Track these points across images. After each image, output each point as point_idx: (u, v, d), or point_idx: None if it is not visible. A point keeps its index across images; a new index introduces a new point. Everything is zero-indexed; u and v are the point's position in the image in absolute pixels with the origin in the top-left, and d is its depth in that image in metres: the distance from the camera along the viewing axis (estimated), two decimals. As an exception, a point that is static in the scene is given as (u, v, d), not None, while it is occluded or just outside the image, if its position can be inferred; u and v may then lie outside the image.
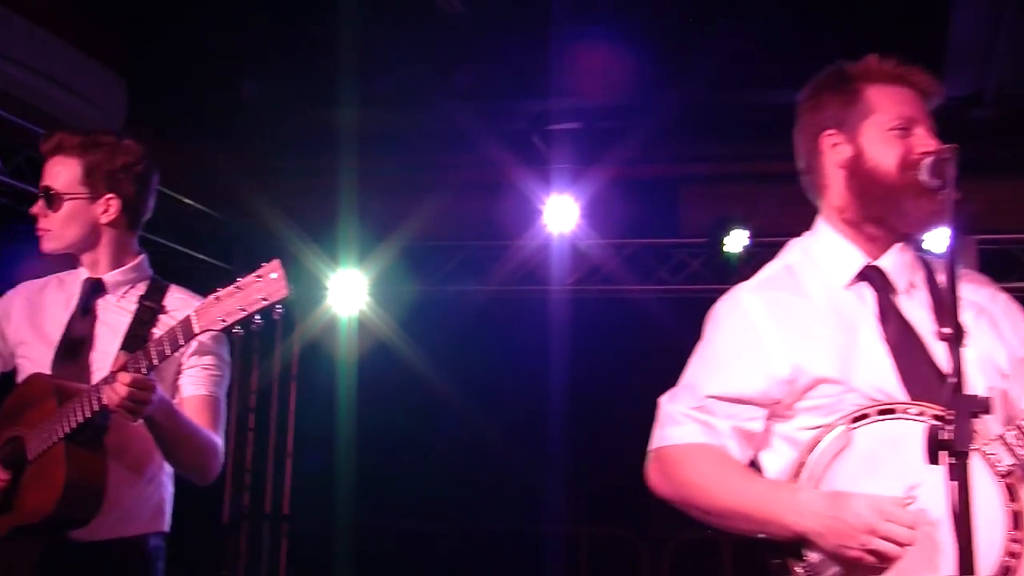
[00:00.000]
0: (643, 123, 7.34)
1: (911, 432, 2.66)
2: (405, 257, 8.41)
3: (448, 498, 8.52)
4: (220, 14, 6.58)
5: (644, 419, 3.17)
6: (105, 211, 3.46)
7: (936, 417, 2.62)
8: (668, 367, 3.08)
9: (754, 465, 2.94)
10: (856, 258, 2.94)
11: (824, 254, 3.00)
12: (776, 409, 2.90)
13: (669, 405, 2.96)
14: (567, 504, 8.48)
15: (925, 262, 3.06)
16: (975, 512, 2.43)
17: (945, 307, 2.74)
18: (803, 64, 7.02)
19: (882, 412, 2.74)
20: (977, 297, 2.97)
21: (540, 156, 8.04)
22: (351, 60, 6.66)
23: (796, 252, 3.08)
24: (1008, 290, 3.11)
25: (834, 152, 2.97)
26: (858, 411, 2.75)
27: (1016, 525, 2.59)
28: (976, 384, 2.73)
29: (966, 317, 2.73)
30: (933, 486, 2.57)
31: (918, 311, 2.90)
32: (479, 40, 6.96)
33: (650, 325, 7.97)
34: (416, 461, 8.45)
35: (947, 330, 2.56)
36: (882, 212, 2.90)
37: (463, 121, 7.31)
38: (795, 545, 2.70)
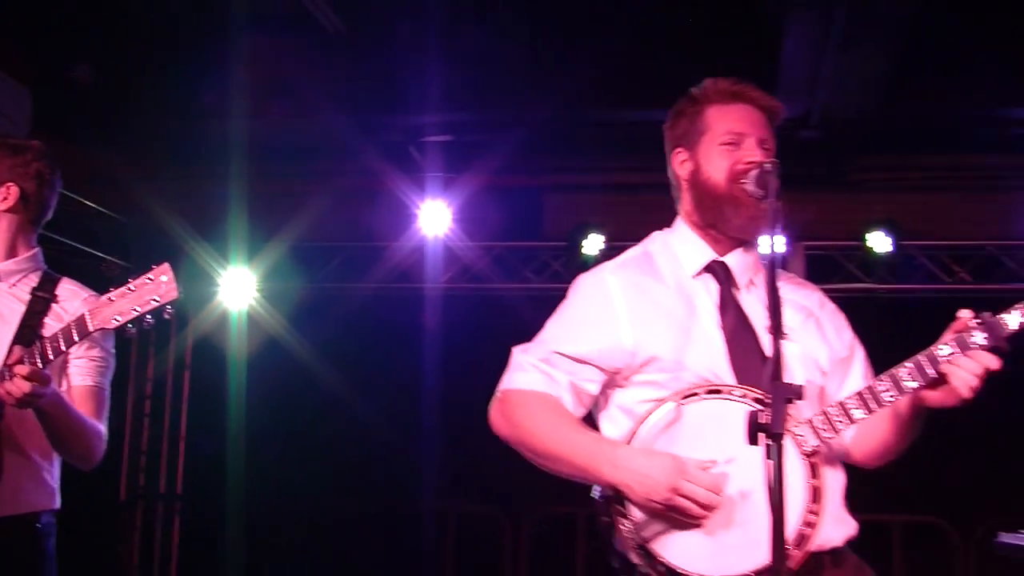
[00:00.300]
0: (510, 137, 7.51)
1: (733, 412, 2.78)
2: (291, 256, 8.44)
3: (330, 478, 8.49)
4: (117, 28, 6.68)
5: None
6: (4, 198, 3.42)
7: (756, 400, 2.78)
8: None
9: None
10: (705, 252, 3.05)
11: (679, 246, 3.10)
12: (616, 378, 3.00)
13: (520, 355, 3.06)
14: (439, 483, 8.49)
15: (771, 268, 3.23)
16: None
17: (777, 307, 2.94)
18: (652, 87, 7.37)
19: (710, 392, 2.84)
20: (807, 302, 3.11)
21: (416, 165, 8.21)
22: (242, 76, 6.76)
23: (656, 242, 3.18)
24: (831, 291, 3.30)
25: (682, 167, 3.11)
26: (689, 389, 2.86)
27: (815, 499, 2.72)
28: (796, 375, 2.86)
29: (795, 318, 3.01)
30: (747, 460, 2.75)
31: (755, 306, 3.00)
32: (359, 58, 7.11)
33: (515, 320, 7.86)
34: (302, 445, 8.44)
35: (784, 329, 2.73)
36: (715, 218, 3.01)
37: (345, 133, 7.44)
38: (622, 504, 2.81)
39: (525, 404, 2.99)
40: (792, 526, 2.68)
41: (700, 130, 3.07)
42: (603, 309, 3.03)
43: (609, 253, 8.06)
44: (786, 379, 2.65)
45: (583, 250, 8.43)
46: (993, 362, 2.64)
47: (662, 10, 6.78)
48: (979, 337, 2.66)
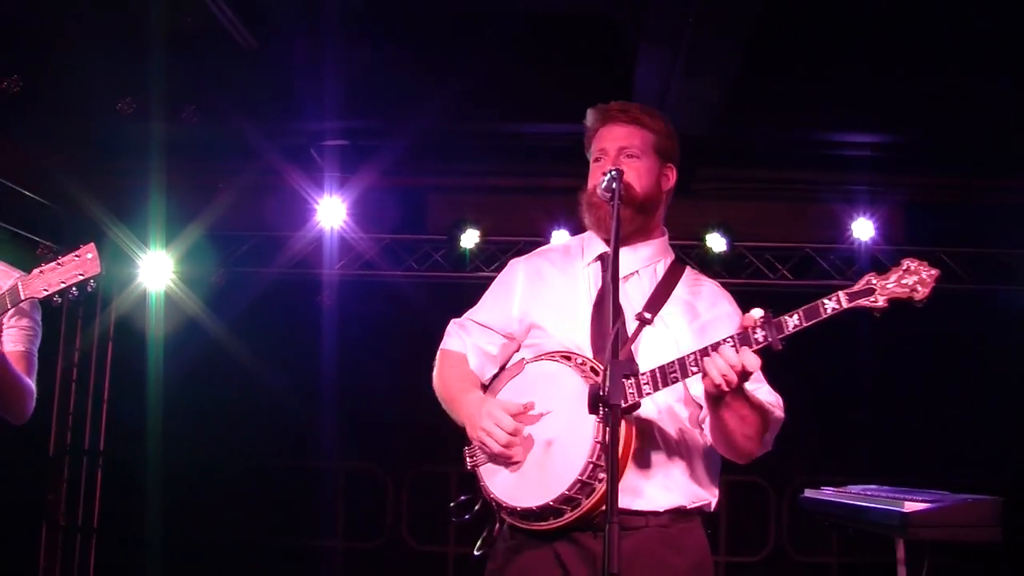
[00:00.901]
0: (398, 142, 7.69)
1: (565, 375, 2.95)
2: (205, 242, 8.45)
3: (238, 440, 8.53)
4: (44, 39, 6.59)
5: (394, 376, 3.61)
6: None
7: (592, 370, 2.92)
8: (413, 335, 3.79)
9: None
10: (599, 247, 3.21)
11: (589, 242, 3.27)
12: (516, 342, 3.24)
13: (451, 323, 3.35)
14: (332, 445, 8.58)
15: (678, 263, 3.28)
16: (579, 439, 2.81)
17: (658, 298, 3.11)
18: (520, 103, 7.71)
19: (563, 357, 3.00)
20: (698, 300, 3.16)
21: (316, 165, 8.30)
22: (160, 86, 6.72)
23: (578, 239, 3.33)
24: None
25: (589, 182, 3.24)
26: (548, 352, 3.06)
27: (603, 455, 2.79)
28: (646, 357, 2.95)
29: (673, 310, 3.10)
30: (560, 415, 2.94)
31: (635, 294, 3.13)
32: (266, 70, 7.13)
33: (401, 303, 8.41)
34: (214, 411, 8.44)
35: (647, 315, 2.90)
36: (589, 223, 3.21)
37: (253, 136, 7.47)
38: (468, 440, 3.07)
39: (445, 362, 3.28)
40: (572, 476, 2.79)
41: (589, 151, 3.24)
42: (506, 288, 3.31)
43: (483, 247, 8.60)
44: (640, 360, 2.92)
45: (461, 243, 8.66)
46: (754, 363, 2.67)
47: (532, 34, 6.94)
48: (759, 334, 2.70)
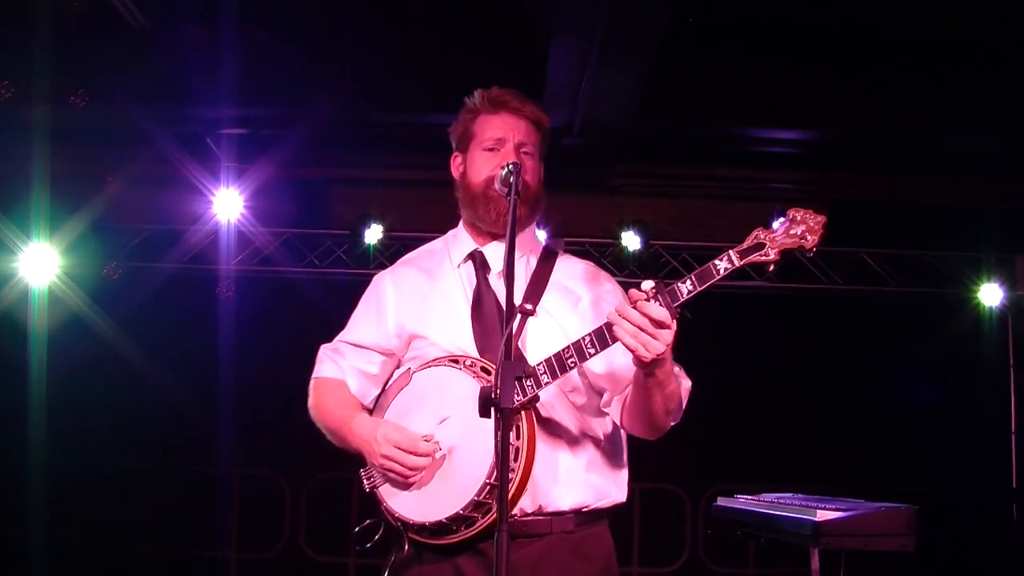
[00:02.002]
0: (298, 132, 7.63)
1: (456, 379, 3.00)
2: (93, 235, 8.34)
3: (129, 443, 8.47)
4: None
5: (291, 377, 3.70)
6: None
7: (483, 370, 2.97)
8: (314, 334, 3.55)
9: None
10: (469, 245, 3.27)
11: (453, 241, 3.33)
12: (396, 358, 3.27)
13: (322, 348, 3.37)
14: (230, 449, 8.60)
15: (548, 251, 3.33)
16: (482, 442, 2.83)
17: (535, 288, 3.18)
18: (426, 93, 7.65)
19: (451, 362, 3.05)
20: (577, 284, 3.23)
21: (212, 155, 8.24)
22: (44, 68, 6.65)
23: (440, 241, 3.40)
24: None
25: (457, 171, 3.32)
26: (434, 360, 3.10)
27: (515, 458, 2.84)
28: (539, 349, 2.99)
29: (555, 297, 3.16)
30: (457, 422, 2.97)
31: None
32: (159, 55, 7.04)
33: (301, 300, 8.38)
34: (102, 413, 8.37)
35: (528, 306, 3.01)
36: (474, 215, 3.24)
37: (146, 123, 7.33)
38: (364, 463, 3.13)
39: (320, 390, 3.31)
40: (480, 481, 2.84)
41: (470, 136, 3.28)
42: (376, 303, 3.32)
43: (387, 242, 8.49)
44: (529, 353, 2.97)
45: (364, 239, 8.69)
46: (659, 312, 2.67)
47: (438, 21, 6.96)
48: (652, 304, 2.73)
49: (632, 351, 2.72)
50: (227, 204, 8.45)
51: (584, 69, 6.88)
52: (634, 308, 2.69)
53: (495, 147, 3.22)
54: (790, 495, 4.94)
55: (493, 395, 2.55)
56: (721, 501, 5.18)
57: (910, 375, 8.38)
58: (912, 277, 8.75)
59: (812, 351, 8.28)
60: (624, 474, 3.21)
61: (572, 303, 3.17)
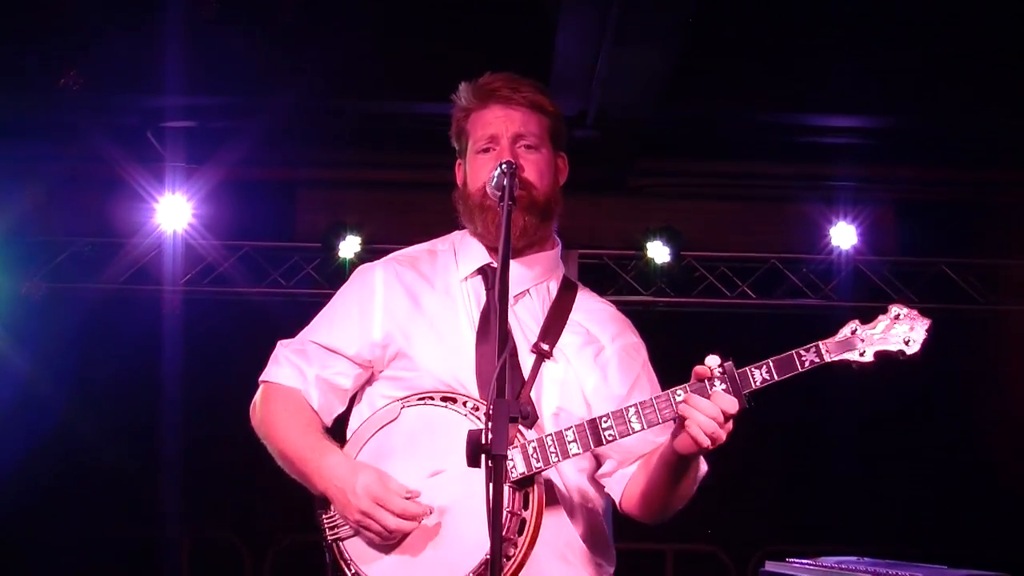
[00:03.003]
0: (259, 124, 7.65)
1: (453, 422, 3.00)
2: (9, 250, 8.39)
3: (56, 502, 8.44)
4: None
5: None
6: None
7: (486, 414, 2.82)
8: None
9: None
10: (481, 257, 3.28)
11: (461, 249, 3.33)
12: (372, 373, 3.28)
13: (280, 347, 3.36)
14: (176, 508, 8.57)
15: (569, 281, 3.37)
16: (482, 505, 2.69)
17: (553, 325, 3.21)
18: (417, 78, 7.72)
19: (445, 399, 3.07)
20: (598, 328, 3.26)
21: (154, 153, 8.26)
22: None
23: (446, 241, 3.42)
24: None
25: (459, 178, 3.36)
26: (426, 392, 3.11)
27: (520, 530, 2.89)
28: (549, 399, 3.08)
29: (572, 340, 3.19)
30: (453, 476, 2.97)
31: (524, 317, 3.21)
32: (92, 34, 7.09)
33: (263, 327, 7.89)
34: (22, 467, 8.15)
35: (544, 346, 3.08)
36: (475, 229, 3.28)
37: (74, 112, 7.47)
38: (327, 508, 3.12)
39: (273, 399, 3.30)
40: (481, 556, 2.86)
41: (465, 138, 3.33)
42: (361, 301, 3.32)
43: (366, 256, 8.16)
44: (544, 405, 3.03)
45: (339, 252, 8.68)
46: (731, 404, 2.77)
47: None
48: (719, 389, 2.81)
49: (697, 443, 2.81)
50: (172, 212, 8.44)
51: (599, 45, 6.90)
52: (704, 398, 2.79)
53: (489, 146, 3.25)
54: (855, 559, 4.88)
55: (484, 440, 2.55)
56: (770, 566, 5.10)
57: (988, 413, 8.44)
58: (998, 291, 8.75)
59: (874, 386, 8.24)
60: (613, 549, 3.29)
61: (593, 352, 3.21)
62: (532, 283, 3.26)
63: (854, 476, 8.58)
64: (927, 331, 2.88)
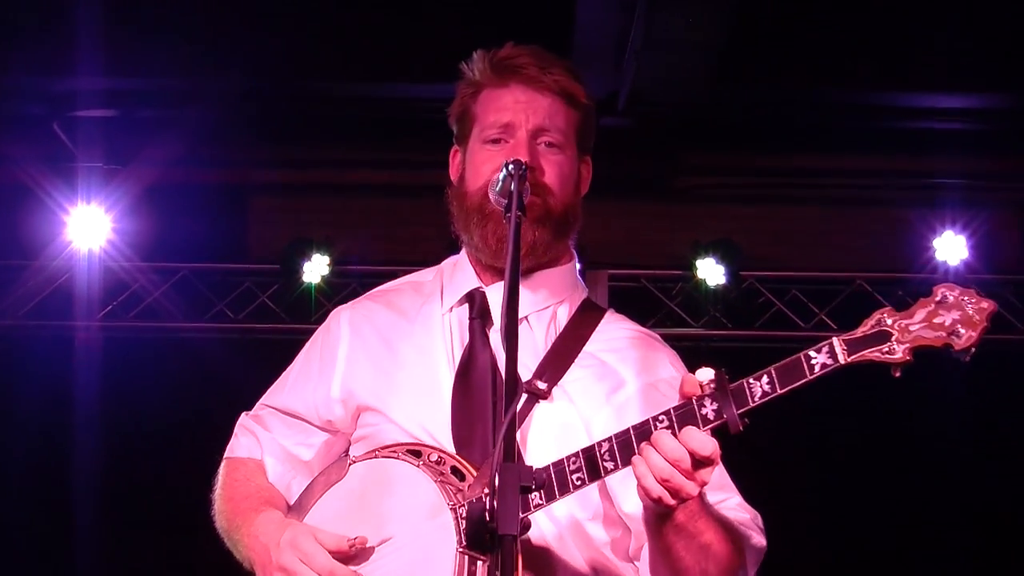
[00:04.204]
0: (199, 113, 7.81)
1: (409, 479, 3.05)
2: None
3: None
4: None
5: (197, 489, 3.59)
6: None
7: (454, 471, 3.04)
8: (227, 426, 3.56)
9: None
10: (469, 281, 3.37)
11: (451, 275, 3.43)
12: (343, 435, 3.41)
13: (242, 416, 3.51)
14: None
15: (590, 311, 3.40)
16: None
17: (559, 358, 3.25)
18: (406, 54, 7.69)
19: (410, 452, 3.12)
20: (615, 357, 3.30)
21: (64, 151, 8.30)
22: None
23: (434, 271, 3.53)
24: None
25: (455, 173, 3.43)
26: (386, 447, 3.18)
27: None
28: (539, 451, 3.08)
29: (580, 374, 3.23)
30: (404, 543, 3.01)
31: (523, 351, 3.04)
32: None
33: (207, 373, 8.34)
34: None
35: (540, 384, 3.12)
36: (469, 240, 3.34)
37: None
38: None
39: (228, 474, 3.42)
40: None
41: (469, 121, 3.38)
42: (324, 353, 3.44)
43: (337, 281, 8.51)
44: (529, 454, 3.05)
45: (303, 276, 8.69)
46: (704, 445, 2.73)
47: None
48: (709, 408, 2.79)
49: (650, 498, 2.78)
50: (87, 226, 8.46)
51: (633, 8, 6.94)
52: (673, 435, 2.75)
53: (500, 136, 3.27)
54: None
55: (486, 516, 2.55)
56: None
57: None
58: None
59: (984, 434, 8.30)
60: None
61: (607, 389, 3.22)
62: (532, 309, 3.29)
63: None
64: (987, 318, 2.76)
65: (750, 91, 8.08)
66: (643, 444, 2.75)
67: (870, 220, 8.91)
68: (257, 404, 3.50)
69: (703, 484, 2.76)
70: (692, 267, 8.69)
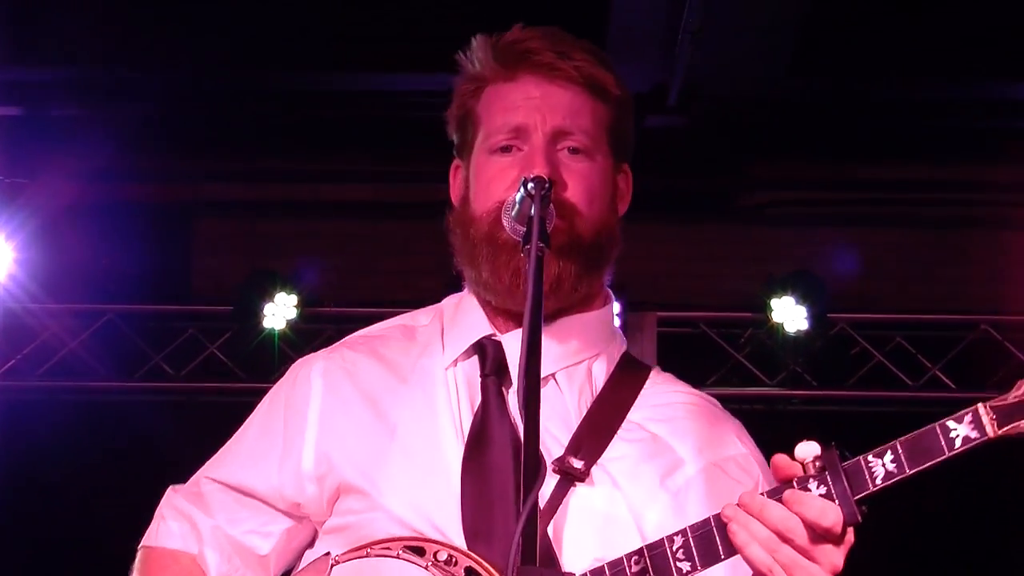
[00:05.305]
0: (127, 112, 7.75)
1: None
2: None
3: None
4: None
5: None
6: None
7: (469, 572, 2.98)
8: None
9: None
10: (478, 327, 3.28)
11: (453, 318, 3.36)
12: (310, 523, 3.28)
13: (170, 492, 3.36)
14: None
15: (633, 368, 3.38)
16: None
17: (593, 433, 3.18)
18: (383, 39, 7.52)
19: (409, 548, 3.04)
20: (668, 429, 3.23)
21: None
22: None
23: (432, 312, 3.45)
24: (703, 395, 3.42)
25: (456, 193, 3.35)
26: (381, 540, 3.07)
27: None
28: (577, 543, 3.03)
29: (626, 450, 3.15)
30: None
31: (550, 419, 3.10)
32: None
33: (140, 447, 8.37)
34: None
35: (575, 463, 3.03)
36: (477, 277, 3.25)
37: None
38: None
39: (148, 572, 3.32)
40: None
41: (473, 126, 3.29)
42: (289, 414, 3.29)
43: (306, 327, 8.50)
44: (566, 552, 2.97)
45: (263, 322, 8.76)
46: (824, 512, 2.65)
47: None
48: (816, 492, 2.70)
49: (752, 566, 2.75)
50: None
51: None
52: (777, 500, 2.69)
53: (511, 143, 3.18)
54: None
55: None
56: None
57: None
58: None
59: None
60: None
61: (661, 470, 3.13)
62: (561, 364, 3.19)
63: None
64: None
65: (837, 83, 8.03)
66: (731, 510, 2.69)
67: (998, 247, 8.75)
68: (194, 477, 3.34)
69: (834, 570, 2.69)
70: (766, 308, 8.76)
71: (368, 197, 8.62)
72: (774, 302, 8.66)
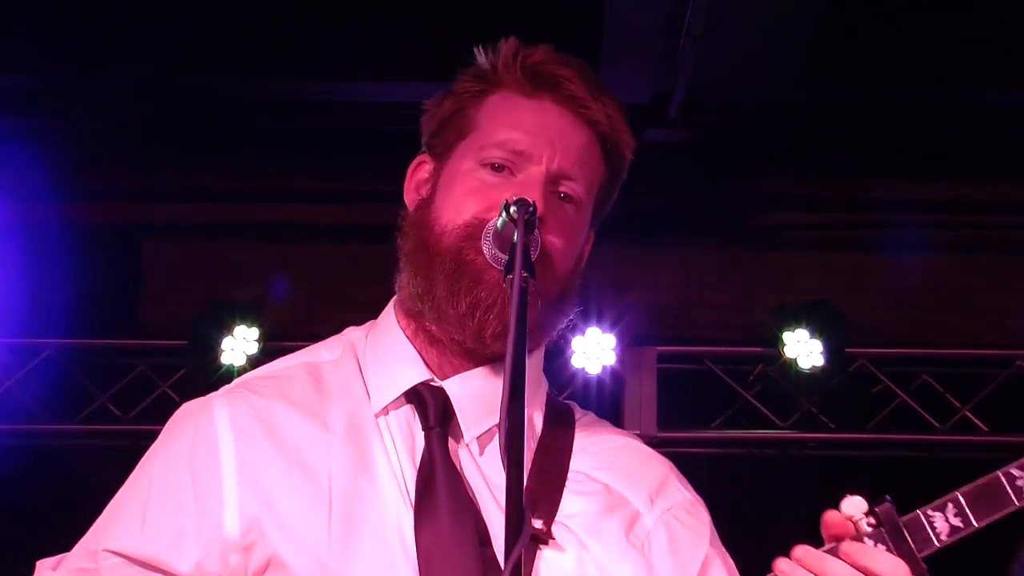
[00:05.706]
0: (71, 124, 7.75)
1: None
2: None
3: None
4: None
5: None
6: None
7: None
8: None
9: None
10: (410, 370, 3.20)
11: (373, 357, 3.27)
12: None
13: (44, 572, 3.16)
14: None
15: (560, 411, 3.36)
16: None
17: (545, 487, 3.15)
18: (364, 46, 7.72)
19: None
20: (618, 478, 3.25)
21: None
22: None
23: (336, 346, 3.35)
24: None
25: (416, 193, 3.29)
26: None
27: None
28: None
29: (583, 505, 3.13)
30: None
31: (493, 475, 3.11)
32: None
33: (84, 498, 8.07)
34: None
35: (535, 522, 2.97)
36: (425, 296, 3.16)
37: None
38: None
39: None
40: None
41: (465, 129, 3.22)
42: (195, 469, 3.13)
43: (263, 360, 8.26)
44: None
45: (220, 357, 8.78)
46: (898, 572, 2.69)
47: None
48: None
49: None
50: None
51: None
52: (835, 555, 2.72)
53: (506, 163, 3.12)
54: None
55: None
56: None
57: None
58: None
59: None
60: None
61: (623, 524, 3.12)
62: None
63: None
64: None
65: (857, 91, 8.04)
66: (790, 565, 2.73)
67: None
68: (79, 550, 3.12)
69: None
70: (777, 342, 8.80)
71: (339, 219, 8.63)
72: (787, 335, 8.72)
